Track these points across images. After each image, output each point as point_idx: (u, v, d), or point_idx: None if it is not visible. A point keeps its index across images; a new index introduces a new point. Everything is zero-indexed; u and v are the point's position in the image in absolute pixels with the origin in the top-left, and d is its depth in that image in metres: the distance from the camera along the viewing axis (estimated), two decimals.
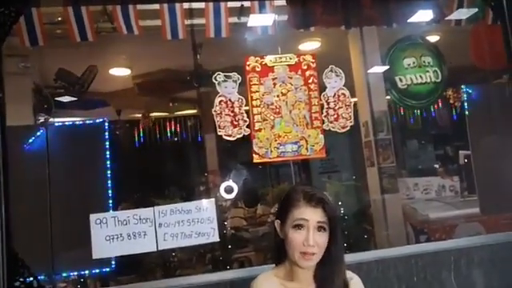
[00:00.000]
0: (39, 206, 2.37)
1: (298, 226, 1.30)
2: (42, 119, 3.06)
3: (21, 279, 1.81)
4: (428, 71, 3.26)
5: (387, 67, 3.27)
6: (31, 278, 1.84)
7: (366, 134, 3.79)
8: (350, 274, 1.39)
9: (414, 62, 3.26)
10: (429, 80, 3.27)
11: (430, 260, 2.20)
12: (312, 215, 1.30)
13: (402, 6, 2.68)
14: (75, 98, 3.49)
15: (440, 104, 4.92)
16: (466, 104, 2.98)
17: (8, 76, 2.11)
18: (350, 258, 2.10)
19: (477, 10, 2.78)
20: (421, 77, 3.26)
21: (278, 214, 1.39)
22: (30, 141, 2.63)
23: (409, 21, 2.81)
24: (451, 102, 4.58)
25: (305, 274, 1.34)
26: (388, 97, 3.52)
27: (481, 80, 3.38)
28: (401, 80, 3.24)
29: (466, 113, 2.92)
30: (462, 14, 2.88)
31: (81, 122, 3.08)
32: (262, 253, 3.37)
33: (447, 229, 3.54)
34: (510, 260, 2.24)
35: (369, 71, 3.52)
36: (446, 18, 2.91)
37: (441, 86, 3.35)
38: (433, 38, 3.43)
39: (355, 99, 3.57)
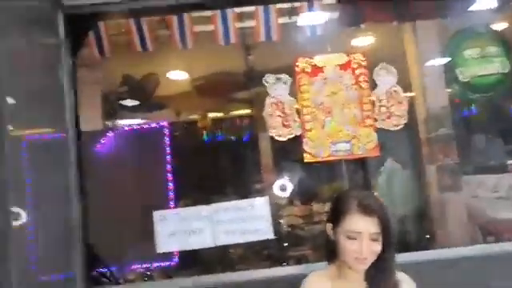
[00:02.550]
0: (110, 204, 2.59)
1: (351, 237, 1.29)
2: (109, 124, 3.32)
3: (96, 269, 2.01)
4: (493, 61, 3.06)
5: (447, 60, 3.12)
6: (105, 269, 2.03)
7: (426, 130, 3.64)
8: (400, 275, 1.38)
9: (476, 53, 3.07)
10: (495, 71, 3.07)
11: (493, 262, 2.09)
12: (365, 227, 1.27)
13: None
14: (138, 103, 3.73)
15: (509, 96, 4.57)
16: None
17: (80, 85, 2.34)
18: (407, 257, 2.07)
19: None
20: (485, 68, 3.07)
21: (330, 218, 1.39)
22: (101, 144, 2.88)
23: (468, 9, 2.67)
24: None
25: (356, 274, 1.35)
26: (449, 90, 3.36)
27: None
28: (462, 72, 3.08)
29: None
30: None
31: (144, 126, 3.30)
32: (318, 250, 3.38)
33: None
34: None
35: (426, 65, 3.37)
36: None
37: (509, 77, 3.12)
38: (498, 26, 3.21)
39: (413, 94, 3.45)
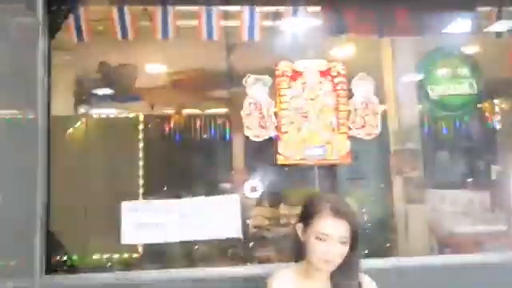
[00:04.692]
0: (76, 192, 2.52)
1: (321, 239, 1.32)
2: (81, 111, 3.24)
3: (57, 257, 1.95)
4: (463, 83, 3.21)
5: (420, 77, 3.24)
6: (65, 257, 1.98)
7: (395, 142, 3.76)
8: (363, 277, 1.43)
9: (448, 73, 3.21)
10: (463, 92, 3.21)
11: (449, 273, 2.19)
12: (335, 230, 1.30)
13: (438, 17, 2.66)
14: (113, 92, 3.66)
15: (474, 116, 4.80)
16: (498, 118, 2.91)
17: (53, 68, 2.27)
18: (370, 263, 2.13)
19: None
20: (455, 88, 3.21)
21: (301, 219, 1.42)
22: (71, 130, 2.80)
23: (444, 31, 2.79)
24: (486, 115, 4.46)
25: (322, 274, 1.39)
26: (420, 106, 3.48)
27: None
28: (433, 90, 3.20)
29: (497, 127, 2.86)
30: (503, 26, 2.83)
31: (117, 116, 3.24)
32: (284, 252, 3.41)
33: (473, 244, 3.46)
34: None
35: (400, 80, 3.49)
36: (485, 30, 2.87)
37: (476, 98, 3.28)
38: (470, 50, 3.36)
39: (385, 107, 3.55)
